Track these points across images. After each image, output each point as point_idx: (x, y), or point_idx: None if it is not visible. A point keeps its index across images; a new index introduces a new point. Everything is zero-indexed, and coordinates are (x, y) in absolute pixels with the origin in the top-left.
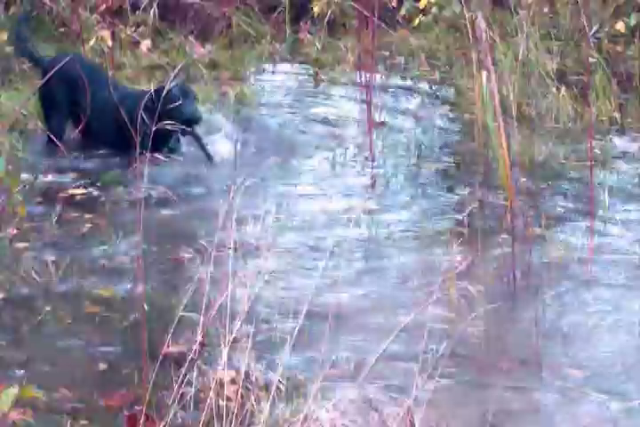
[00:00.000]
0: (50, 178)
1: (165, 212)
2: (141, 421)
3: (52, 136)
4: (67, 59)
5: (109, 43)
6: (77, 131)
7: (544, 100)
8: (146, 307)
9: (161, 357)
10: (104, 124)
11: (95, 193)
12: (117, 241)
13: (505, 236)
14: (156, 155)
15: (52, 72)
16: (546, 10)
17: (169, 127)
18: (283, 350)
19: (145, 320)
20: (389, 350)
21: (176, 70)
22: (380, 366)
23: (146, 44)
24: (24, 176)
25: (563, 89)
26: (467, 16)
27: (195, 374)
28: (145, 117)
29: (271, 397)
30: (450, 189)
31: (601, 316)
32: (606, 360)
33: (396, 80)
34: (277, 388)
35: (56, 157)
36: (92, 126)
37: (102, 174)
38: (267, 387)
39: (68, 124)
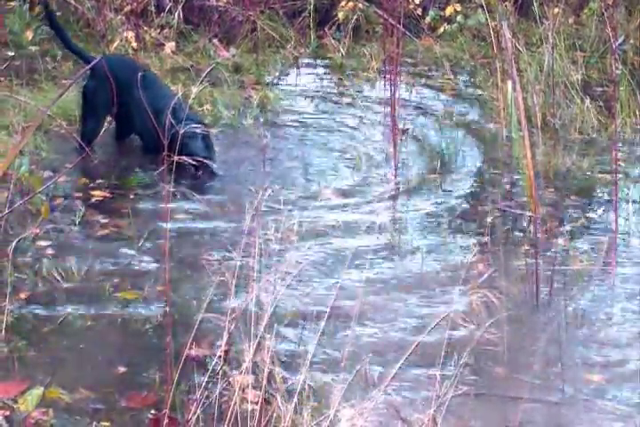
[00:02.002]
0: (74, 179)
1: (190, 215)
2: (164, 423)
3: (81, 138)
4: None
5: (134, 44)
6: (116, 133)
7: (568, 111)
8: (169, 309)
9: (184, 360)
10: (146, 128)
11: (119, 195)
12: (141, 243)
13: (528, 246)
14: (184, 158)
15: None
16: (571, 21)
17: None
18: (306, 355)
19: (169, 323)
20: (411, 357)
21: (204, 74)
22: (402, 373)
23: (170, 46)
24: (47, 176)
25: (587, 100)
26: (491, 25)
27: (218, 377)
28: (173, 122)
29: (294, 402)
30: (473, 199)
31: (623, 327)
32: (629, 372)
33: (420, 88)
34: (300, 393)
35: (81, 158)
36: (134, 128)
37: (127, 177)
38: (290, 392)
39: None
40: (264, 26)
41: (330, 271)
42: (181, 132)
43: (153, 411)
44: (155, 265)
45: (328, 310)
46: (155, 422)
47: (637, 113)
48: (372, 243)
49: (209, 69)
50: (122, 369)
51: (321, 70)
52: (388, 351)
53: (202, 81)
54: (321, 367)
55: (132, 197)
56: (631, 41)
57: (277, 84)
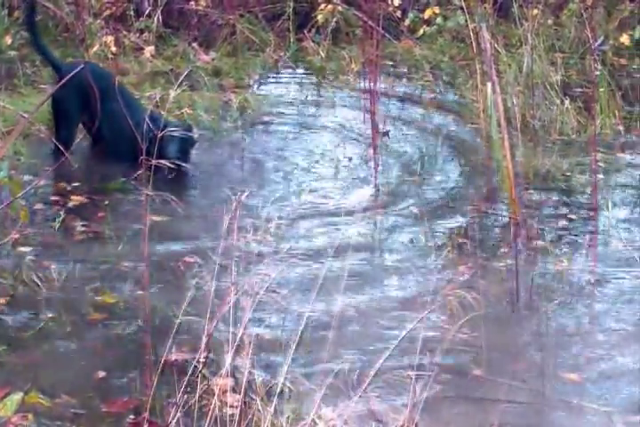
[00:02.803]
0: (53, 184)
1: (169, 218)
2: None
3: (58, 144)
4: (81, 67)
5: (113, 48)
6: (91, 140)
7: (548, 112)
8: (149, 314)
9: (163, 364)
10: (115, 134)
11: (98, 200)
12: (120, 247)
13: (508, 248)
14: (162, 162)
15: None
16: (550, 22)
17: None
18: (285, 358)
19: (148, 327)
20: (390, 358)
21: (182, 78)
22: (380, 375)
23: (149, 50)
24: (26, 181)
25: (567, 101)
26: (471, 27)
27: (197, 381)
28: (151, 125)
29: (273, 405)
30: (453, 200)
31: (604, 328)
32: (609, 370)
33: (400, 90)
34: (280, 396)
35: (60, 163)
36: (103, 136)
37: (106, 182)
38: (269, 395)
39: (78, 133)
40: (243, 29)
41: (309, 271)
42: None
43: (133, 415)
44: (134, 269)
45: (308, 310)
46: (134, 426)
47: (617, 113)
48: (352, 242)
49: (186, 72)
50: (102, 374)
51: (301, 73)
52: (367, 351)
53: (180, 84)
54: (301, 370)
55: (110, 201)
56: (610, 41)
57: (257, 87)
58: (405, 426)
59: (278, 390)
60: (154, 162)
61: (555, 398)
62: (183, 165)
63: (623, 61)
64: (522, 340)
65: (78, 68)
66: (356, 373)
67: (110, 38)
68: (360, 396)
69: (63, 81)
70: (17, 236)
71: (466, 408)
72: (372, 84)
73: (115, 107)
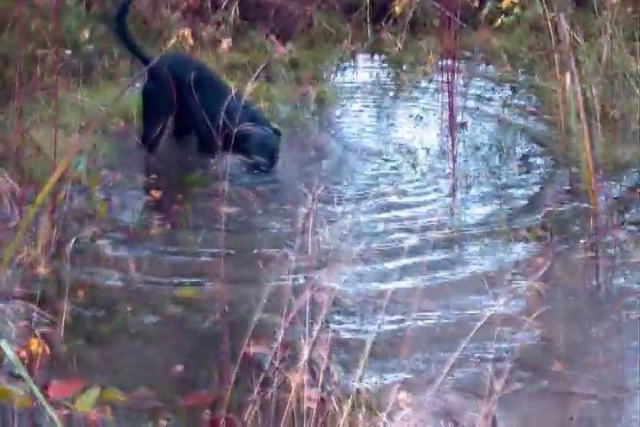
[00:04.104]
0: (131, 177)
1: (246, 212)
2: (222, 424)
3: (143, 142)
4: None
5: (190, 41)
6: (173, 132)
7: (628, 102)
8: (227, 308)
9: (241, 358)
10: (206, 127)
11: (176, 193)
12: (198, 240)
13: (588, 239)
14: (240, 157)
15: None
16: (630, 10)
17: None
18: (362, 354)
19: (226, 321)
20: (463, 353)
21: (259, 70)
22: (455, 370)
23: (226, 42)
24: (104, 175)
25: None
26: (549, 17)
27: (275, 376)
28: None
29: (350, 401)
30: (533, 191)
31: None
32: None
33: (478, 81)
34: (357, 392)
35: (140, 157)
36: (194, 129)
37: (185, 176)
38: (346, 391)
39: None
40: (320, 21)
41: (386, 267)
42: (243, 130)
43: (210, 410)
44: (212, 263)
45: (385, 304)
46: (212, 423)
47: None
48: (430, 237)
49: (263, 65)
50: (180, 368)
51: (378, 65)
52: (441, 346)
53: (257, 77)
54: (378, 365)
55: (188, 195)
56: None
57: (334, 79)
58: (482, 422)
59: (355, 384)
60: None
61: (635, 392)
62: (267, 162)
63: None
64: (602, 333)
65: (161, 60)
66: (431, 368)
67: (187, 31)
68: (436, 391)
69: (141, 72)
70: (95, 229)
71: (544, 403)
72: (449, 75)
73: (207, 98)
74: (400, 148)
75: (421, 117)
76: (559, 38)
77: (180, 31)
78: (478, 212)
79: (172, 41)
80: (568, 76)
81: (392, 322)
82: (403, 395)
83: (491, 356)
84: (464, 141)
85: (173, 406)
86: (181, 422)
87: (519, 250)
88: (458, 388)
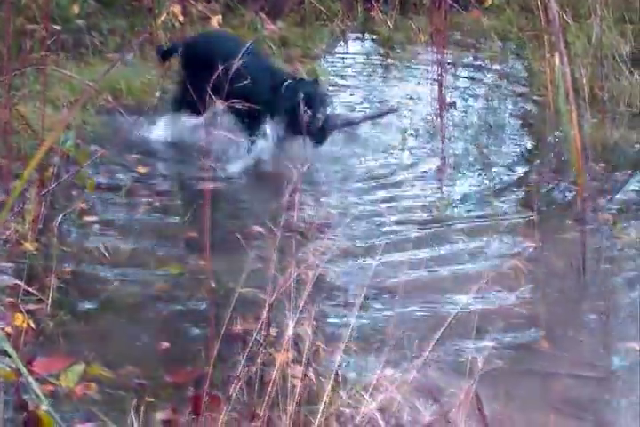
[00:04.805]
0: (118, 154)
1: (232, 189)
2: (206, 400)
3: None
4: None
5: (180, 18)
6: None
7: (617, 84)
8: (213, 285)
9: (226, 335)
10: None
11: (163, 170)
12: (186, 217)
13: (574, 220)
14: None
15: None
16: None
17: None
18: (346, 331)
19: (212, 298)
20: (449, 331)
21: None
22: (439, 347)
23: (217, 19)
24: (93, 151)
25: (636, 73)
26: None
27: (260, 352)
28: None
29: (332, 377)
30: (520, 172)
31: None
32: None
33: (468, 61)
34: (339, 367)
35: (127, 133)
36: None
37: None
38: (330, 368)
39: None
40: None
41: (371, 245)
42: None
43: (195, 387)
44: (198, 240)
45: (369, 283)
46: (196, 399)
47: None
48: (417, 217)
49: (252, 42)
50: (165, 345)
51: (368, 44)
52: (424, 325)
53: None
54: (360, 343)
55: (175, 172)
56: None
57: (325, 57)
58: (464, 399)
59: (338, 360)
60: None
61: (619, 372)
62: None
63: None
64: (587, 313)
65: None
66: (414, 344)
67: (177, 8)
68: (418, 367)
69: (127, 48)
70: (83, 205)
71: (527, 382)
72: (439, 54)
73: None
74: (389, 126)
75: (411, 97)
76: (549, 19)
77: (170, 8)
78: (465, 191)
79: (162, 17)
80: (557, 57)
81: (377, 298)
82: (385, 372)
83: (473, 335)
84: (452, 121)
85: (159, 382)
86: (168, 398)
87: (507, 231)
88: (441, 366)
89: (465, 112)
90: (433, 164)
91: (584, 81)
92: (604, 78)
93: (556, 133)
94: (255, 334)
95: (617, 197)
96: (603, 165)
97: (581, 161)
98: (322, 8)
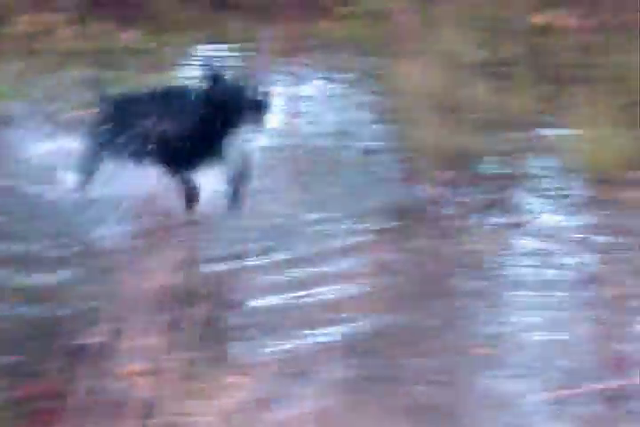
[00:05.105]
0: None
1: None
2: (52, 413)
3: None
4: None
5: (30, 27)
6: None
7: (467, 91)
8: (63, 297)
9: (73, 348)
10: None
11: None
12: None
13: (425, 226)
14: None
15: None
16: (471, 1)
17: None
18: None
19: (63, 311)
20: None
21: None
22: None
23: (70, 29)
24: None
25: (486, 80)
26: (393, 6)
27: (105, 364)
28: None
29: (177, 387)
30: (371, 178)
31: (516, 307)
32: (520, 347)
33: (321, 68)
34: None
35: None
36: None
37: None
38: (173, 377)
39: None
40: (166, 8)
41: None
42: None
43: (43, 400)
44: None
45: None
46: (44, 412)
47: (535, 92)
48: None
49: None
50: (14, 358)
51: (223, 51)
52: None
53: (101, 64)
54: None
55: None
56: (530, 21)
57: (180, 66)
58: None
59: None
60: None
61: (467, 377)
62: None
63: (542, 40)
64: (437, 320)
65: None
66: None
67: (27, 17)
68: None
69: None
70: None
71: (377, 389)
72: (292, 62)
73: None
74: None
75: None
76: (401, 27)
77: (19, 17)
78: (316, 199)
79: (12, 27)
80: (408, 64)
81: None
82: (220, 377)
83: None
84: (303, 128)
85: (4, 397)
86: (17, 413)
87: (360, 238)
88: (285, 372)
89: (317, 119)
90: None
91: (434, 88)
92: (455, 85)
93: (407, 139)
94: (100, 346)
95: (465, 202)
96: (451, 170)
97: (431, 168)
98: (176, 17)
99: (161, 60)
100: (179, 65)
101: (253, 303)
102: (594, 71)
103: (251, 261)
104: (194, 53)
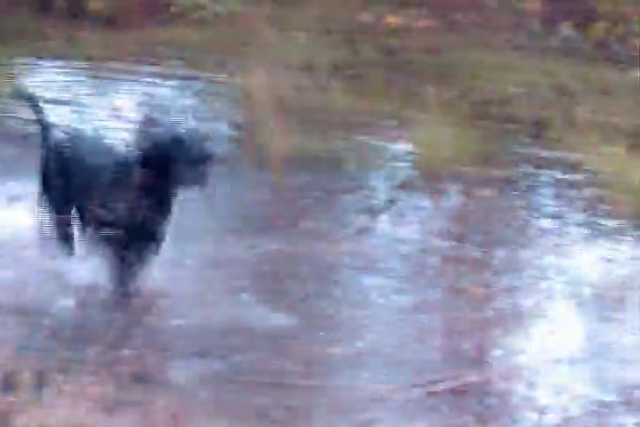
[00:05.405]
0: None
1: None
2: None
3: None
4: None
5: None
6: None
7: (319, 94)
8: None
9: None
10: None
11: None
12: None
13: (275, 231)
14: None
15: None
16: (324, 4)
17: None
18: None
19: None
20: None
21: None
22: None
23: None
24: None
25: (338, 83)
26: (244, 12)
27: None
28: None
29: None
30: (225, 184)
31: (363, 312)
32: (365, 351)
33: (173, 74)
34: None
35: None
36: None
37: None
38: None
39: None
40: (12, 18)
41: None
42: None
43: None
44: None
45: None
46: None
47: (389, 94)
48: None
49: None
50: None
51: (73, 61)
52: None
53: None
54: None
55: None
56: (383, 22)
57: (27, 76)
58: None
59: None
60: None
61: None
62: None
63: (396, 41)
64: (285, 320)
65: None
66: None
67: None
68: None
69: None
70: None
71: (230, 392)
72: (146, 68)
73: None
74: None
75: (118, 110)
76: (253, 32)
77: None
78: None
79: None
80: (259, 68)
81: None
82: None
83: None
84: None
85: None
86: None
87: (210, 241)
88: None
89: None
90: None
91: (286, 92)
92: (307, 89)
93: (256, 143)
94: None
95: (316, 205)
96: (302, 173)
97: (279, 170)
98: (25, 27)
99: (7, 69)
100: (26, 74)
101: None
102: (445, 70)
103: None
104: (43, 64)
